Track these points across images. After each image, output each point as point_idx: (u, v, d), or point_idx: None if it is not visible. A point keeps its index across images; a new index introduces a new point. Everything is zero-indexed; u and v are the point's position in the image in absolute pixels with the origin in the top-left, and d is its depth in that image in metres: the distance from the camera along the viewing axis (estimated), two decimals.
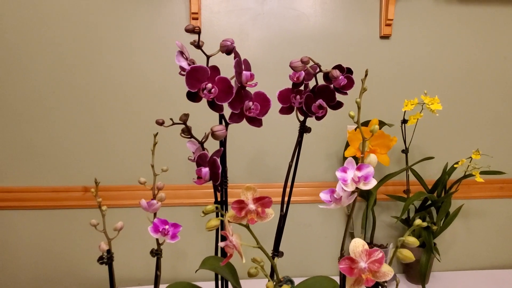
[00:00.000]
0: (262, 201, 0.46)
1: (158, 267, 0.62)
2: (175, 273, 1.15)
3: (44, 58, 1.05)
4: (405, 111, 1.04)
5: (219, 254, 0.68)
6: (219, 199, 0.65)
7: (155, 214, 0.63)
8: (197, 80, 0.56)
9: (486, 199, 1.22)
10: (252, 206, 0.46)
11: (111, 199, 1.10)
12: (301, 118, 0.70)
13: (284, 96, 0.69)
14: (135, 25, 1.06)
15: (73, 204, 1.10)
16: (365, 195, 1.10)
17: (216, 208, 0.46)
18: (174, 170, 1.10)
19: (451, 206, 1.07)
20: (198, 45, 0.58)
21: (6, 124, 1.06)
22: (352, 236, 1.13)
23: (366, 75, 0.51)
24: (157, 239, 0.62)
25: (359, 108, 0.50)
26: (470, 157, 1.04)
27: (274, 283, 0.45)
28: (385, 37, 1.14)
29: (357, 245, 0.46)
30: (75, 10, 1.04)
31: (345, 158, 1.10)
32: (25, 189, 1.09)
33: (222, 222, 0.53)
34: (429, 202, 1.09)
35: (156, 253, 0.61)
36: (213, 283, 0.71)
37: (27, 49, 1.04)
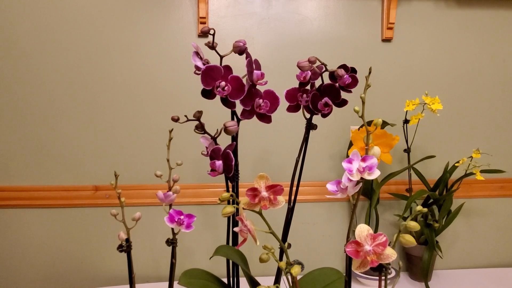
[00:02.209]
0: (274, 188, 0.50)
1: (173, 255, 0.65)
2: (181, 270, 1.18)
3: (56, 61, 1.08)
4: (406, 111, 1.08)
5: (231, 244, 0.72)
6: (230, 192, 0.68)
7: (170, 206, 0.66)
8: (212, 78, 0.60)
9: (487, 198, 1.25)
10: (265, 193, 0.49)
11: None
12: (308, 115, 0.73)
13: (291, 95, 0.73)
14: (145, 29, 1.10)
15: (84, 203, 1.13)
16: (368, 194, 1.13)
17: (231, 195, 0.50)
18: (181, 169, 1.13)
19: (453, 205, 1.09)
20: (212, 46, 0.62)
21: (18, 125, 1.09)
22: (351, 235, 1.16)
23: (370, 72, 0.55)
24: (172, 229, 0.65)
25: (363, 103, 0.53)
26: (471, 156, 1.07)
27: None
28: (386, 40, 1.17)
29: (362, 230, 0.49)
30: (87, 15, 1.08)
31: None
32: (36, 188, 1.11)
33: (235, 210, 0.56)
34: (431, 200, 1.12)
35: (172, 242, 0.64)
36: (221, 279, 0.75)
37: (40, 53, 1.08)
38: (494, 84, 1.22)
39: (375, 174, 0.52)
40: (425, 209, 0.48)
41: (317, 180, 1.19)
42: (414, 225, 0.47)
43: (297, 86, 0.72)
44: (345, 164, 0.53)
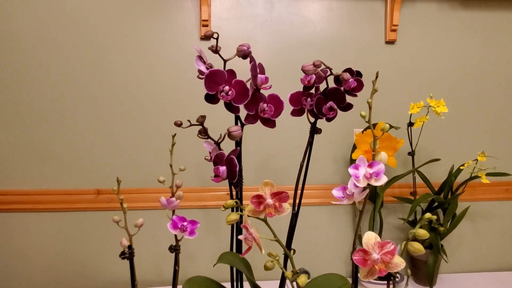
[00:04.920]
0: (280, 195, 0.49)
1: (176, 262, 0.64)
2: (185, 275, 1.17)
3: (58, 64, 1.08)
4: (411, 114, 1.07)
5: (234, 251, 0.71)
6: (234, 197, 0.67)
7: (173, 212, 0.65)
8: (215, 83, 0.59)
9: (492, 201, 1.24)
10: (270, 200, 0.49)
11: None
12: (312, 119, 0.72)
13: (295, 99, 0.72)
14: (146, 32, 1.10)
15: (86, 207, 1.12)
16: (372, 197, 1.12)
17: (236, 203, 0.49)
18: (183, 173, 1.12)
19: (458, 209, 1.08)
20: (216, 50, 0.61)
21: (19, 128, 1.09)
22: (360, 239, 1.15)
23: (377, 77, 0.54)
24: (175, 235, 0.64)
25: (370, 108, 0.52)
26: (476, 159, 1.06)
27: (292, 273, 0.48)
28: (390, 42, 1.16)
29: (370, 237, 0.48)
30: (88, 18, 1.08)
31: (352, 161, 1.12)
32: (38, 192, 1.11)
33: (240, 217, 0.55)
34: (436, 204, 1.11)
35: (175, 248, 0.63)
36: (225, 283, 0.73)
37: (41, 56, 1.07)
38: (499, 86, 1.21)
39: (382, 181, 0.51)
40: (434, 217, 0.47)
41: (320, 184, 1.18)
42: (424, 233, 0.46)
43: (300, 88, 0.71)
44: (351, 170, 0.52)
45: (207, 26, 1.10)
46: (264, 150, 1.16)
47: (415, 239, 0.49)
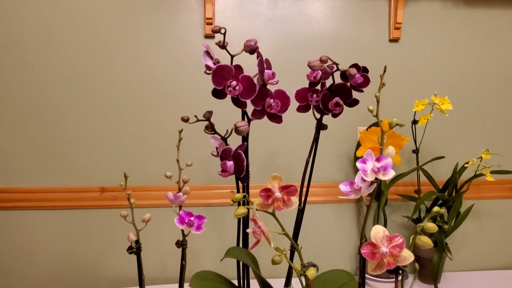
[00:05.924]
0: (288, 189, 0.49)
1: (183, 257, 0.64)
2: (188, 272, 1.17)
3: (61, 62, 1.08)
4: (415, 112, 1.07)
5: (241, 246, 0.71)
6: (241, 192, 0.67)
7: (180, 207, 0.66)
8: (223, 78, 0.59)
9: (497, 199, 1.24)
10: (278, 194, 0.49)
11: (125, 199, 1.12)
12: (318, 115, 0.73)
13: (301, 95, 0.72)
14: (151, 31, 1.10)
15: (90, 205, 1.12)
16: (377, 195, 1.12)
17: (244, 196, 0.49)
18: (187, 170, 1.12)
19: (462, 207, 1.08)
20: (223, 45, 0.61)
21: (24, 126, 1.09)
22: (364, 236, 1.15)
23: (384, 71, 0.54)
24: (182, 230, 0.65)
25: (378, 102, 0.52)
26: (480, 156, 1.05)
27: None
28: (394, 40, 1.17)
29: (378, 231, 0.48)
30: (92, 17, 1.08)
31: (356, 158, 1.12)
32: (42, 189, 1.11)
33: (247, 211, 0.55)
34: (440, 201, 1.11)
35: (182, 244, 0.64)
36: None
37: (47, 55, 1.07)
38: (503, 84, 1.21)
39: (390, 175, 0.52)
40: (442, 210, 0.47)
41: (324, 181, 1.18)
42: (432, 227, 0.47)
43: (303, 87, 0.71)
44: (359, 164, 0.52)
45: (211, 24, 1.10)
46: (268, 147, 1.16)
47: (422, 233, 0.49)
